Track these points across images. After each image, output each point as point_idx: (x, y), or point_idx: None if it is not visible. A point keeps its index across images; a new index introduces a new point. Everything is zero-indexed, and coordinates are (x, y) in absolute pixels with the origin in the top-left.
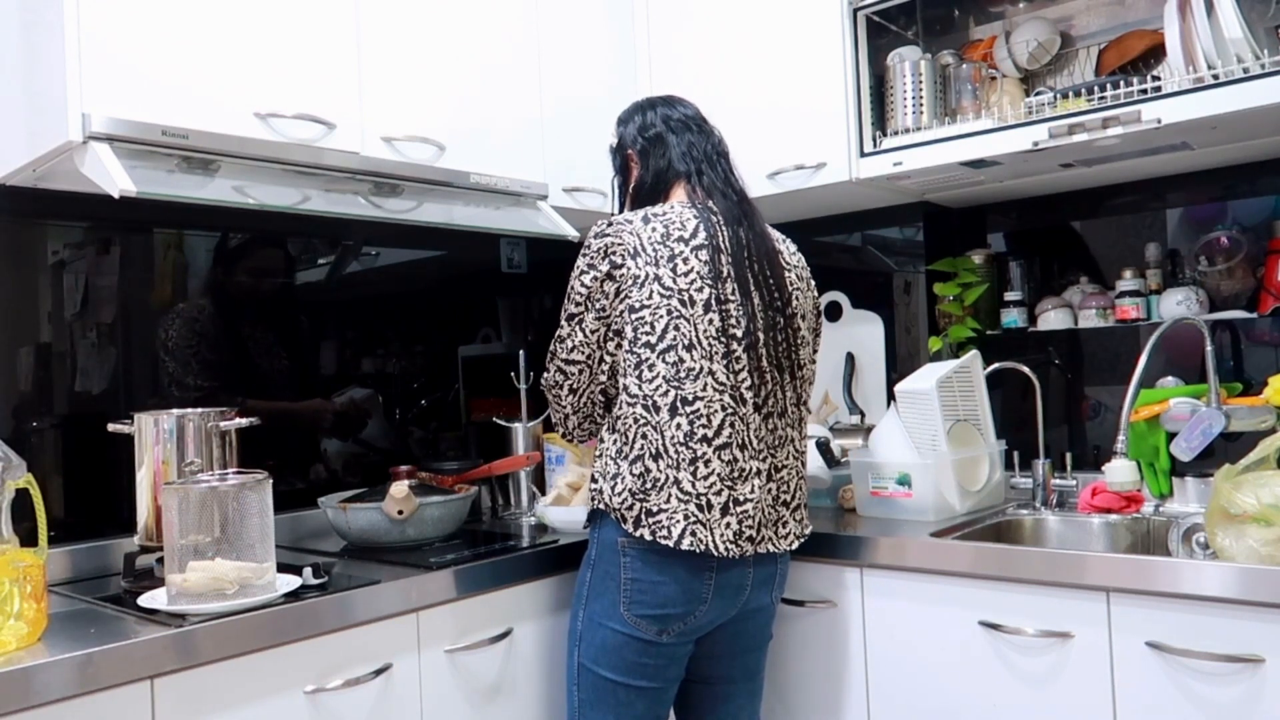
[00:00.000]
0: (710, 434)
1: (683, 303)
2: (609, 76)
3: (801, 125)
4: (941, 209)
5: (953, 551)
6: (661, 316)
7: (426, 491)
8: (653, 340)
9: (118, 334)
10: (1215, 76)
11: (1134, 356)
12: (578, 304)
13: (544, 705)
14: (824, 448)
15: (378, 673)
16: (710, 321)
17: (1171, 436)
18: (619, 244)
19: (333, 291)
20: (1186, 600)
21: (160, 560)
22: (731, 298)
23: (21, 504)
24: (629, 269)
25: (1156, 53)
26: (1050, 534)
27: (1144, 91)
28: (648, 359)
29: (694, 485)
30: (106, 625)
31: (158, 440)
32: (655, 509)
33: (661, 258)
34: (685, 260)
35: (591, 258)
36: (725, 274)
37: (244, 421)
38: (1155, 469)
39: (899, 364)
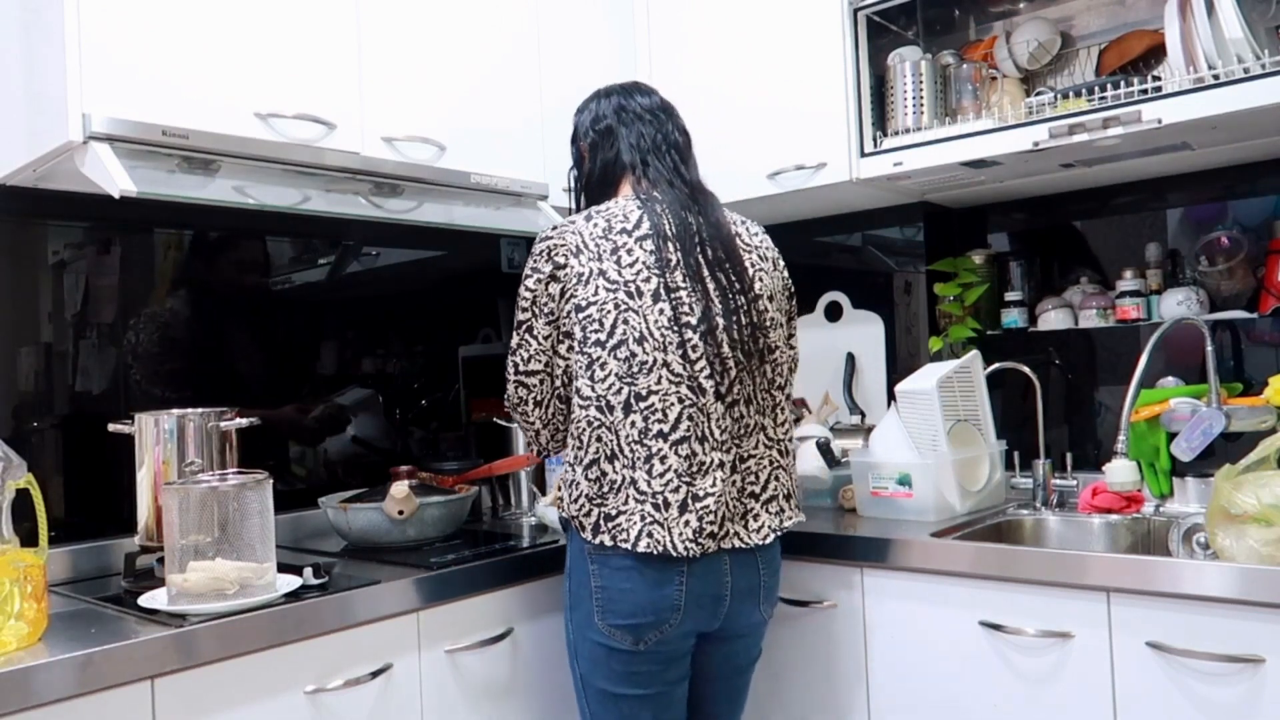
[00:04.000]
0: (666, 429)
1: (630, 295)
2: (609, 76)
3: (802, 125)
4: (942, 209)
5: (953, 551)
6: (609, 312)
7: (427, 491)
8: (602, 337)
9: (118, 334)
10: (1216, 76)
11: (1134, 356)
12: (524, 309)
13: (544, 705)
14: (824, 448)
15: (378, 673)
16: (661, 311)
17: (1172, 436)
18: (561, 245)
19: (333, 291)
20: (1187, 600)
21: (160, 560)
22: (683, 285)
23: (22, 504)
24: (572, 268)
25: (1157, 53)
26: (1050, 534)
27: (1144, 91)
28: (599, 358)
29: (650, 484)
30: (107, 625)
31: (158, 440)
32: (614, 512)
33: (604, 251)
34: (629, 251)
35: (534, 261)
36: (674, 262)
37: (244, 421)
38: (1155, 469)
39: (899, 364)
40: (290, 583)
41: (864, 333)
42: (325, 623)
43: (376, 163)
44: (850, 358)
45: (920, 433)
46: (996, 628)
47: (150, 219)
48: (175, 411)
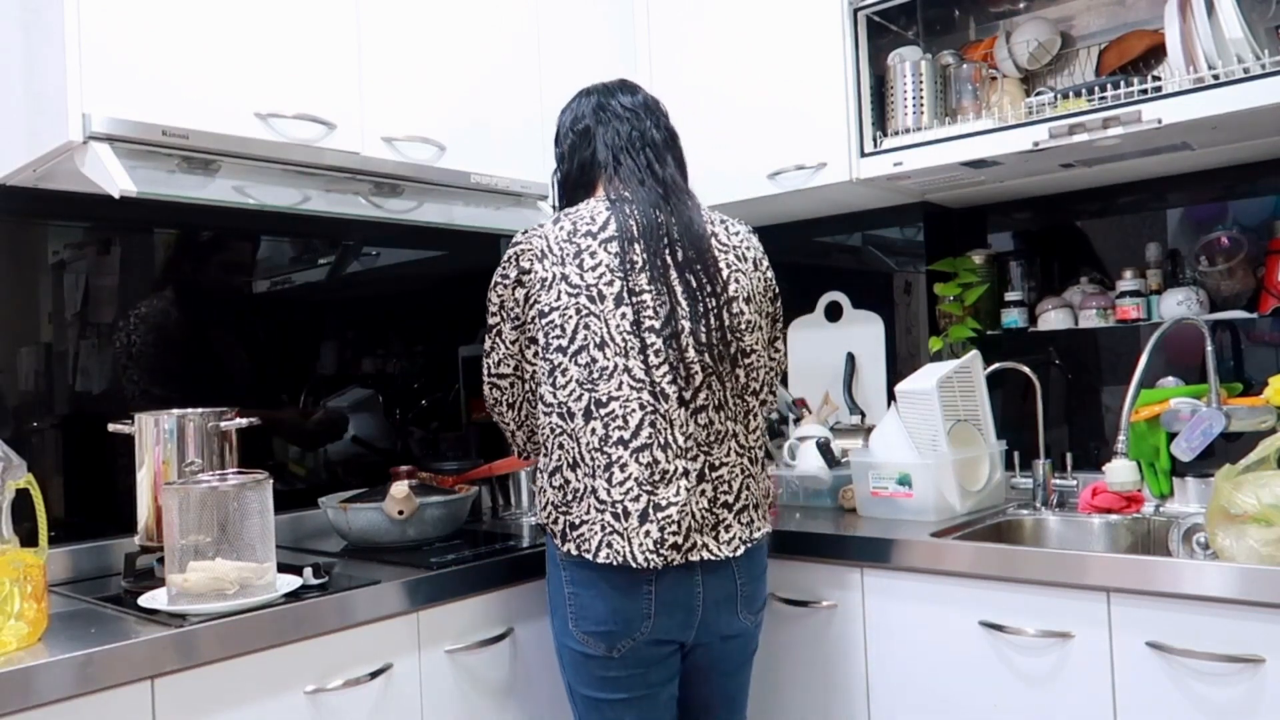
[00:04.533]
0: (627, 436)
1: (591, 299)
2: (609, 76)
3: (802, 125)
4: (941, 209)
5: (953, 551)
6: (571, 317)
7: (427, 491)
8: (564, 343)
9: (118, 334)
10: (1215, 76)
11: (1134, 356)
12: (493, 314)
13: (544, 705)
14: (824, 448)
15: (378, 673)
16: (623, 316)
17: (1172, 436)
18: (528, 249)
19: (333, 291)
20: (1187, 600)
21: (160, 560)
22: (647, 288)
23: (22, 504)
24: (536, 272)
25: (1157, 53)
26: (1050, 534)
27: (1144, 91)
28: (560, 364)
29: (609, 492)
30: (107, 625)
31: (158, 440)
32: (578, 521)
33: (568, 255)
34: (593, 254)
35: (503, 266)
36: (639, 264)
37: (244, 421)
38: (1155, 469)
39: (899, 364)
40: (290, 583)
41: (864, 333)
42: (325, 623)
43: (376, 163)
44: (850, 358)
45: (920, 433)
46: (996, 628)
47: (150, 219)
48: (175, 411)
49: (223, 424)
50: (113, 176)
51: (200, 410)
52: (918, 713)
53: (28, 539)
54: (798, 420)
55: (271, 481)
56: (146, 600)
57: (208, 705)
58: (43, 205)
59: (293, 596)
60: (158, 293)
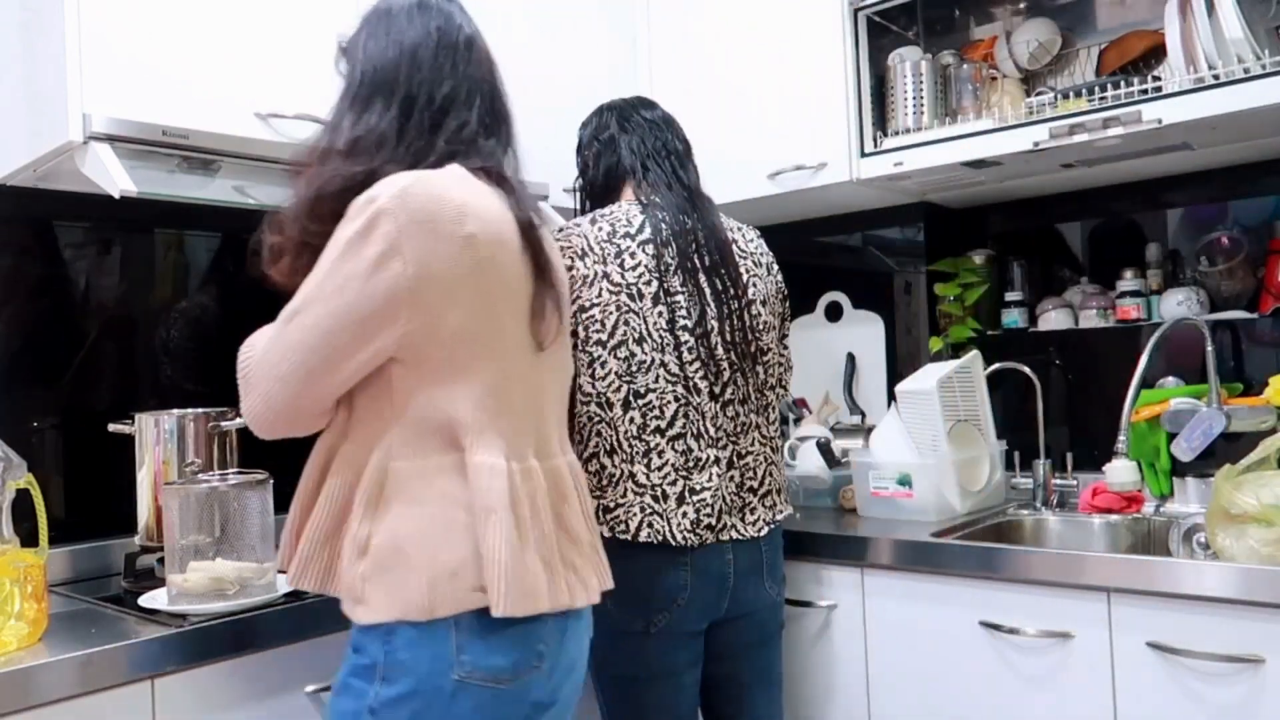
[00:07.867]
0: (663, 425)
1: (631, 297)
2: (609, 78)
3: (802, 125)
4: (942, 209)
5: (953, 552)
6: (611, 313)
7: None
8: (603, 338)
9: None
10: (1216, 77)
11: (1134, 356)
12: None
13: None
14: (824, 448)
15: None
16: (660, 314)
17: (1172, 437)
18: (568, 247)
19: None
20: (1187, 600)
21: (161, 560)
22: (680, 289)
23: (22, 504)
24: (578, 270)
25: (1157, 53)
26: (1051, 534)
27: (1144, 92)
28: (600, 357)
29: (648, 477)
30: (107, 625)
31: (158, 440)
32: (612, 505)
33: (609, 255)
34: (632, 255)
35: None
36: (672, 266)
37: (244, 421)
38: (1156, 469)
39: (899, 364)
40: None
41: (864, 333)
42: (326, 623)
43: None
44: (850, 358)
45: (920, 433)
46: (996, 628)
47: (151, 219)
48: (175, 411)
49: (223, 424)
50: (113, 176)
51: (200, 410)
52: (918, 713)
53: (28, 539)
54: (798, 420)
55: (272, 481)
56: (146, 600)
57: (208, 705)
58: (43, 205)
59: (293, 596)
60: (156, 294)
